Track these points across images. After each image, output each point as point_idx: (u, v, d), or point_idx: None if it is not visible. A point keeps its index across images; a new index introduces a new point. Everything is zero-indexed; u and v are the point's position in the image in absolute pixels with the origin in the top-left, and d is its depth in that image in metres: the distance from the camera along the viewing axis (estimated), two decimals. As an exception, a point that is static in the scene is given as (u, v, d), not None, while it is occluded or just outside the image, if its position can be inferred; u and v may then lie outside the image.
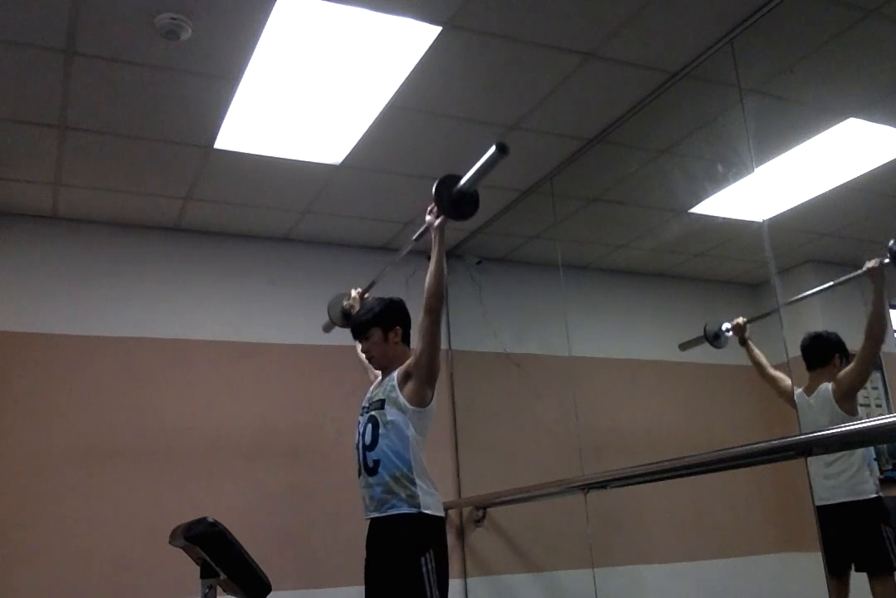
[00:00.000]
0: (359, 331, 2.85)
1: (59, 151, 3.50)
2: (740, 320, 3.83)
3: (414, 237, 2.93)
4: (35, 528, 3.70)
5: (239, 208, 4.19)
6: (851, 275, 3.41)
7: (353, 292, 3.41)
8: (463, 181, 2.51)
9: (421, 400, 2.64)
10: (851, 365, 3.39)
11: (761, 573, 4.81)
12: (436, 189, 2.56)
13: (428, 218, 2.65)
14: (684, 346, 4.18)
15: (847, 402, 3.38)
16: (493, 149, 2.31)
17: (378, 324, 2.80)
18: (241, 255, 4.48)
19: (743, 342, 3.83)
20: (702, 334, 4.00)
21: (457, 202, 2.56)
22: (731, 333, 3.88)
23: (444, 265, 2.60)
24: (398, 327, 2.81)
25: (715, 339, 3.97)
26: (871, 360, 3.35)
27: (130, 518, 3.83)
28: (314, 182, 3.92)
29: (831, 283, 3.60)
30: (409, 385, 2.64)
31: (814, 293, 3.74)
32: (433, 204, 2.62)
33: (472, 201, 2.59)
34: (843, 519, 3.36)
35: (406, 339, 2.84)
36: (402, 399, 2.63)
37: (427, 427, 2.68)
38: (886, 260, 3.19)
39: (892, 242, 3.18)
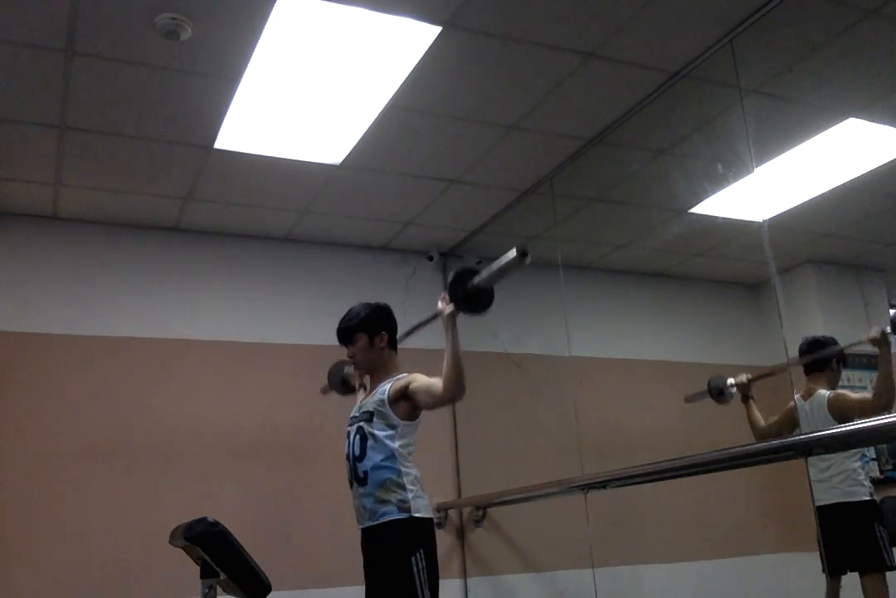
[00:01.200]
0: (344, 336, 2.83)
1: (59, 151, 3.50)
2: (744, 377, 3.82)
3: (421, 322, 2.89)
4: (35, 528, 3.70)
5: (239, 208, 4.19)
6: (855, 342, 3.51)
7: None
8: (479, 277, 2.48)
9: (412, 416, 2.66)
10: (858, 402, 3.37)
11: (761, 573, 4.81)
12: (451, 281, 2.53)
13: (439, 305, 2.60)
14: (689, 399, 4.20)
15: (841, 421, 3.39)
16: (513, 253, 2.30)
17: (364, 329, 2.79)
18: (241, 255, 4.48)
19: (745, 400, 3.82)
20: (706, 389, 4.00)
21: (470, 298, 2.52)
22: (735, 389, 3.88)
23: (460, 356, 2.48)
24: (384, 333, 2.80)
25: (719, 394, 3.97)
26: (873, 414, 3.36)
27: (130, 518, 3.83)
28: (314, 182, 3.92)
29: (841, 347, 3.61)
30: (403, 405, 2.65)
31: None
32: (445, 293, 2.58)
33: (487, 298, 2.56)
34: (839, 520, 3.38)
35: (393, 344, 2.83)
36: (391, 415, 2.64)
37: (415, 434, 2.70)
38: (888, 329, 3.23)
39: (892, 312, 3.22)
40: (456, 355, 2.48)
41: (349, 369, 3.31)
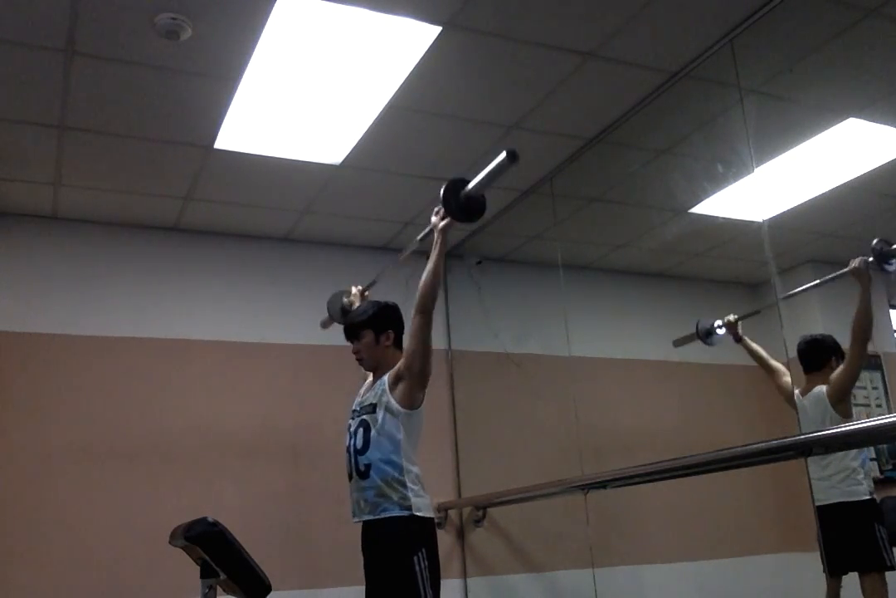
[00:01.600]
0: (351, 332, 2.86)
1: (59, 151, 3.50)
2: (731, 317, 3.84)
3: (419, 237, 2.93)
4: (35, 528, 3.70)
5: (239, 208, 4.19)
6: (836, 274, 3.45)
7: (354, 289, 3.41)
8: (471, 185, 2.53)
9: (412, 402, 2.65)
10: (841, 366, 3.40)
11: (761, 573, 4.81)
12: (444, 192, 2.56)
13: (433, 219, 2.65)
14: (678, 342, 4.19)
15: (841, 404, 3.39)
16: (503, 155, 2.34)
17: (371, 326, 2.80)
18: (241, 255, 4.48)
19: (737, 339, 3.84)
20: (694, 331, 4.01)
21: (464, 205, 2.57)
22: (723, 330, 3.89)
23: (442, 267, 2.60)
24: (390, 331, 2.81)
25: (707, 336, 3.98)
26: (860, 359, 3.36)
27: (130, 518, 3.83)
28: (314, 182, 3.92)
29: (817, 281, 3.62)
30: (400, 387, 2.65)
31: (806, 289, 3.74)
32: (439, 206, 2.62)
33: (479, 205, 2.60)
34: (838, 519, 3.38)
35: (398, 343, 2.84)
36: (393, 402, 2.64)
37: (418, 429, 2.70)
38: (870, 259, 3.21)
39: (874, 241, 3.20)
40: (438, 265, 2.58)
41: (347, 298, 3.34)
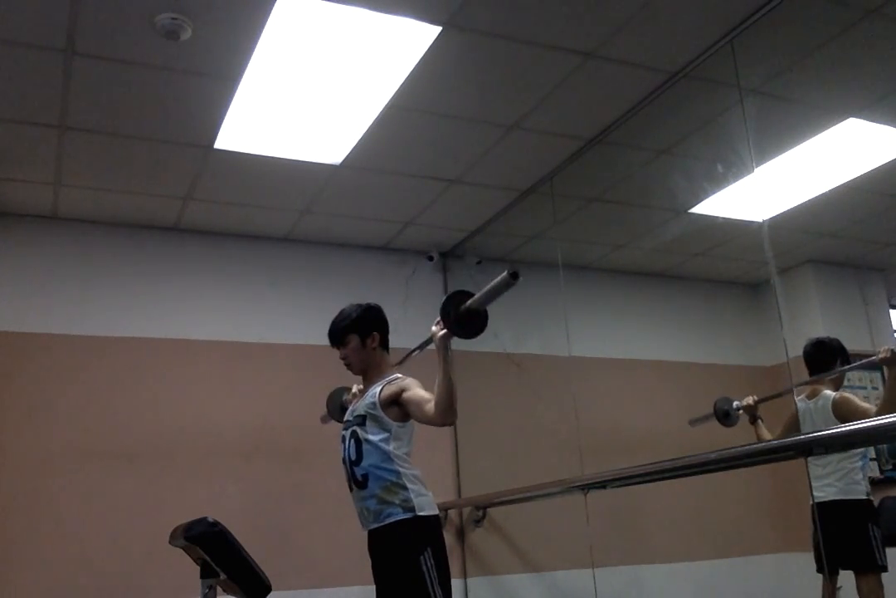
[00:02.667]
0: (336, 338, 2.83)
1: (59, 151, 3.50)
2: (751, 399, 3.80)
3: (416, 347, 2.90)
4: (35, 528, 3.70)
5: (239, 208, 4.19)
6: (864, 362, 3.50)
7: (354, 388, 3.22)
8: (472, 300, 2.47)
9: (404, 418, 2.65)
10: (863, 413, 3.34)
11: (761, 573, 4.82)
12: (443, 303, 2.50)
13: (433, 329, 2.57)
14: (694, 422, 4.19)
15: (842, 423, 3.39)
16: (504, 274, 2.31)
17: (355, 330, 2.78)
18: (241, 255, 4.48)
19: (753, 421, 3.80)
20: (711, 411, 4.00)
21: (463, 320, 2.49)
22: (741, 411, 3.88)
23: (451, 378, 2.45)
24: (375, 333, 2.79)
25: (725, 417, 3.96)
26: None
27: (130, 518, 3.83)
28: (314, 182, 3.92)
29: (847, 366, 3.63)
30: (395, 409, 2.63)
31: (823, 377, 3.71)
32: (439, 317, 2.54)
33: (480, 320, 2.52)
34: (834, 517, 3.38)
35: (385, 344, 2.83)
36: (384, 417, 2.63)
37: (410, 436, 2.69)
38: None
39: None
40: (448, 380, 2.43)
41: (347, 396, 3.30)
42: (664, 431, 4.72)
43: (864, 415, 3.33)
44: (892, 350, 3.23)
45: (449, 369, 2.46)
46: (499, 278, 2.34)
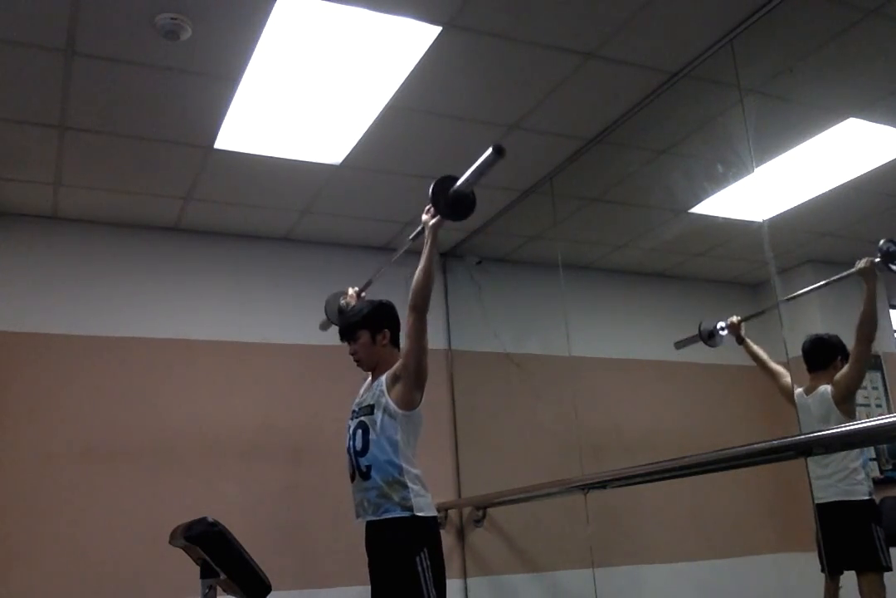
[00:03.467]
0: (347, 333, 2.85)
1: (59, 151, 3.50)
2: (735, 318, 3.83)
3: (410, 237, 2.94)
4: (35, 528, 3.70)
5: (239, 208, 4.19)
6: (843, 274, 3.43)
7: (350, 291, 3.39)
8: (459, 182, 2.53)
9: (409, 403, 2.64)
10: (846, 367, 3.39)
11: (761, 573, 4.81)
12: (432, 190, 2.58)
13: (424, 217, 2.67)
14: (679, 344, 4.18)
15: (845, 404, 3.39)
16: (489, 150, 2.34)
17: (366, 326, 2.80)
18: (241, 255, 4.48)
19: (740, 341, 3.83)
20: (696, 332, 4.00)
21: (453, 203, 2.58)
22: (725, 331, 3.88)
23: (434, 265, 2.62)
24: (386, 330, 2.80)
25: (709, 337, 3.97)
26: (865, 360, 3.36)
27: (130, 518, 3.83)
28: (314, 182, 3.92)
29: (824, 281, 3.62)
30: (398, 388, 2.65)
31: (809, 291, 3.73)
32: (430, 204, 2.62)
33: (469, 202, 2.61)
34: (836, 518, 3.38)
35: (395, 341, 2.84)
36: (391, 404, 2.64)
37: (417, 430, 2.70)
38: (877, 259, 3.21)
39: (882, 241, 3.20)
40: (430, 262, 2.59)
41: (344, 300, 3.33)
42: (664, 431, 4.72)
43: (850, 365, 3.33)
44: (871, 260, 3.21)
45: (433, 256, 2.61)
46: (484, 155, 2.38)
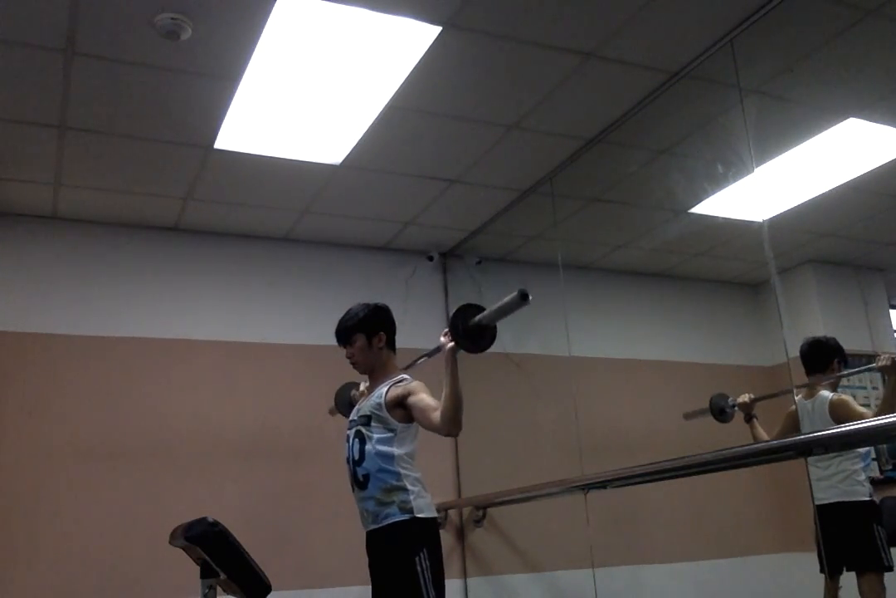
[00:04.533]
0: (343, 337, 2.84)
1: (59, 151, 3.50)
2: (747, 397, 3.80)
3: (425, 354, 2.90)
4: (35, 528, 3.70)
5: (239, 208, 4.19)
6: (863, 368, 3.53)
7: (362, 386, 3.24)
8: (480, 317, 2.47)
9: (409, 419, 2.65)
10: (859, 416, 3.33)
11: (761, 573, 4.81)
12: (453, 315, 2.51)
13: (442, 340, 2.57)
14: (688, 416, 4.19)
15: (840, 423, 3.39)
16: (514, 294, 2.31)
17: (362, 330, 2.79)
18: (241, 255, 4.48)
19: (748, 420, 3.80)
20: (707, 406, 4.00)
21: (472, 334, 2.50)
22: (736, 408, 3.87)
23: (459, 388, 2.47)
24: (382, 333, 2.80)
25: (720, 414, 3.97)
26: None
27: (130, 518, 3.83)
28: (314, 182, 3.92)
29: (847, 372, 3.64)
30: (400, 411, 2.64)
31: (826, 380, 3.71)
32: (448, 328, 2.55)
33: (489, 336, 2.54)
34: (837, 519, 3.38)
35: (391, 344, 2.83)
36: (390, 419, 2.64)
37: (414, 438, 2.70)
38: None
39: None
40: (455, 392, 2.45)
41: (355, 392, 3.32)
42: (664, 431, 4.72)
43: (860, 418, 3.33)
44: (892, 358, 3.23)
45: (456, 381, 2.47)
46: (509, 297, 2.35)
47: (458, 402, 2.46)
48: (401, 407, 2.64)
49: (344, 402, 3.44)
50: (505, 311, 2.40)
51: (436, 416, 2.49)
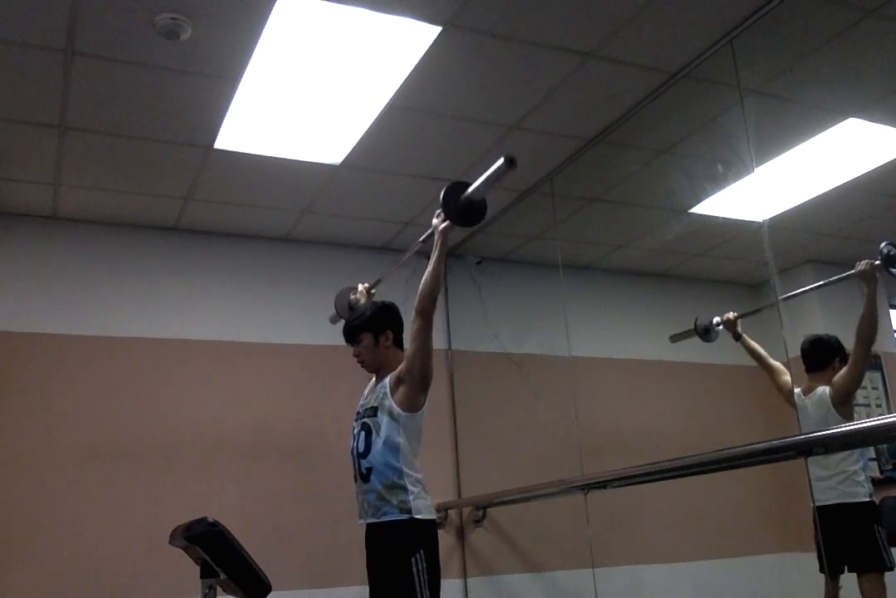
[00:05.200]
0: (350, 336, 2.86)
1: (59, 151, 3.50)
2: (731, 314, 3.83)
3: (420, 239, 2.96)
4: (35, 528, 3.70)
5: (239, 208, 4.19)
6: (843, 275, 3.43)
7: (360, 287, 3.42)
8: (470, 189, 2.54)
9: (413, 405, 2.65)
10: (845, 368, 3.39)
11: (761, 573, 4.81)
12: (443, 195, 2.58)
13: (434, 221, 2.68)
14: (674, 338, 4.18)
15: (843, 406, 3.39)
16: (501, 161, 2.34)
17: (369, 329, 2.80)
18: (241, 255, 4.48)
19: (737, 337, 3.82)
20: (692, 327, 4.00)
21: (463, 209, 2.58)
22: (721, 327, 3.88)
23: (442, 269, 2.62)
24: (389, 332, 2.82)
25: (705, 333, 3.97)
26: (864, 361, 3.35)
27: (130, 518, 3.83)
28: (314, 182, 3.92)
29: (823, 282, 3.62)
30: (401, 390, 2.65)
31: (807, 291, 3.73)
32: (440, 209, 2.63)
33: (479, 209, 2.61)
34: (837, 520, 3.38)
35: (399, 343, 2.85)
36: (394, 406, 2.65)
37: (419, 432, 2.71)
38: (877, 262, 3.21)
39: (882, 244, 3.19)
40: (438, 265, 2.60)
41: (355, 295, 3.35)
42: (664, 431, 4.72)
43: (850, 367, 3.33)
44: (871, 263, 3.20)
45: (443, 256, 2.63)
46: (496, 165, 2.38)
47: (438, 280, 2.60)
48: (402, 384, 2.65)
49: (344, 306, 3.46)
50: (492, 179, 2.43)
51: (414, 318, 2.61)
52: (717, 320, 3.90)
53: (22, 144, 3.45)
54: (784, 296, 3.73)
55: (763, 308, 3.77)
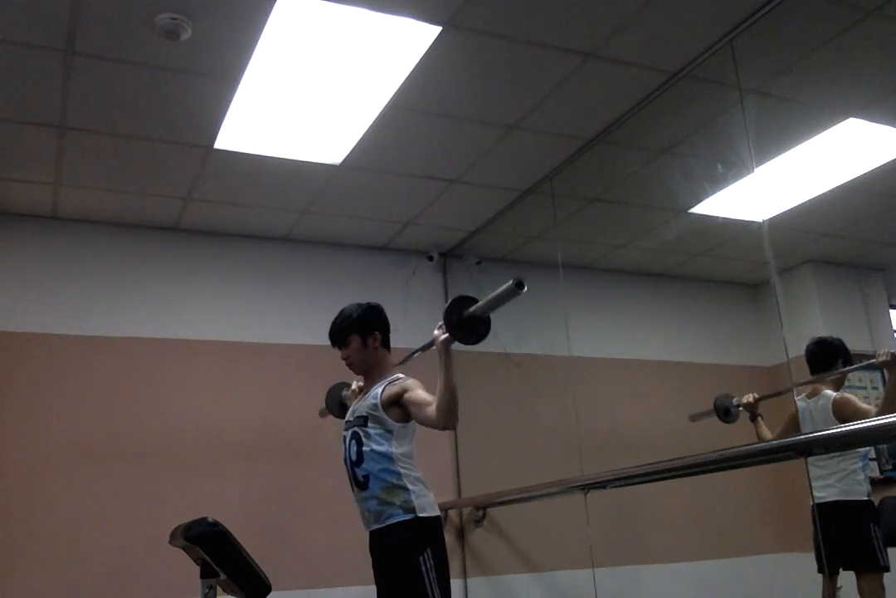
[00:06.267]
0: (337, 338, 2.83)
1: (59, 151, 3.50)
2: (751, 397, 3.80)
3: (419, 347, 2.90)
4: (35, 528, 3.70)
5: (239, 208, 4.19)
6: (864, 364, 3.51)
7: (354, 385, 3.18)
8: (474, 308, 2.46)
9: (406, 419, 2.64)
10: (863, 414, 3.34)
11: (761, 573, 4.81)
12: (447, 308, 2.49)
13: (435, 333, 2.55)
14: (694, 417, 4.18)
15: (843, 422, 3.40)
16: (510, 283, 2.30)
17: (356, 330, 2.78)
18: (241, 255, 4.48)
19: (753, 418, 3.80)
20: (711, 407, 4.00)
21: (464, 325, 2.48)
22: (741, 408, 3.87)
23: (454, 380, 2.45)
24: (377, 333, 2.78)
25: (725, 413, 3.96)
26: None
27: (130, 518, 3.83)
28: (314, 182, 3.92)
29: (847, 368, 3.64)
30: (396, 410, 2.63)
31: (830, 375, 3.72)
32: (442, 320, 2.53)
33: (483, 327, 2.52)
34: (835, 518, 3.38)
35: (386, 344, 2.82)
36: (387, 420, 2.63)
37: (412, 436, 2.69)
38: None
39: None
40: (449, 384, 2.43)
41: (346, 392, 3.30)
42: (664, 431, 4.72)
43: (864, 416, 3.33)
44: (892, 353, 3.23)
45: (451, 374, 2.45)
46: (504, 287, 2.34)
47: (453, 394, 2.43)
48: (397, 405, 2.63)
49: (335, 403, 3.41)
50: (499, 301, 2.38)
51: (431, 410, 2.48)
52: (736, 400, 3.90)
53: (22, 144, 3.45)
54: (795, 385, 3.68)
55: (784, 392, 3.77)
